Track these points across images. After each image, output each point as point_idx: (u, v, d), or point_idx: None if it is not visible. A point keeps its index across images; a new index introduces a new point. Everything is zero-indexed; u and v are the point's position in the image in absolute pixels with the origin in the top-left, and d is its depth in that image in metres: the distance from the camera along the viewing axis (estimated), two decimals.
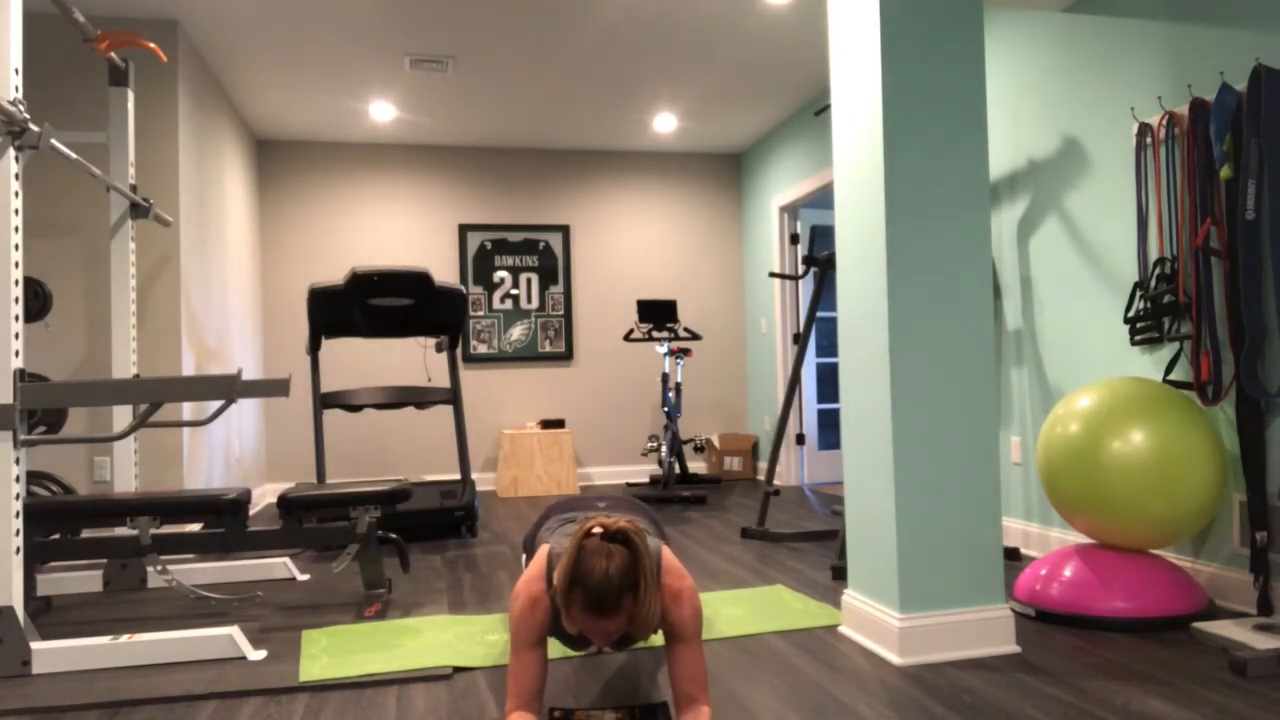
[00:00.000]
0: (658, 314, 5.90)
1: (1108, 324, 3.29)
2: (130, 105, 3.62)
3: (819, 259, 4.13)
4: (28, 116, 2.53)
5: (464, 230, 6.49)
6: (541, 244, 6.63)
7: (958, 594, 2.39)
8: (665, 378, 5.94)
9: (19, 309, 2.42)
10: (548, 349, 6.59)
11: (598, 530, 1.80)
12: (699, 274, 6.92)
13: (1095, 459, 2.66)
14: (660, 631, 2.15)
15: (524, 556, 3.04)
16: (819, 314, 6.26)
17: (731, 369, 6.95)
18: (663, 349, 5.99)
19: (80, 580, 3.34)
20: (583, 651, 2.18)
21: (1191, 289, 2.81)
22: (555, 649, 2.45)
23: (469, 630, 2.69)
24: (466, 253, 6.50)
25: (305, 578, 3.52)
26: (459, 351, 6.45)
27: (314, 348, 4.31)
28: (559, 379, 6.62)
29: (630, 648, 2.23)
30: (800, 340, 4.27)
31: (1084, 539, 3.48)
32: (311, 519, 3.87)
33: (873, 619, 2.45)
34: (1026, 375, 3.72)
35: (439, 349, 4.73)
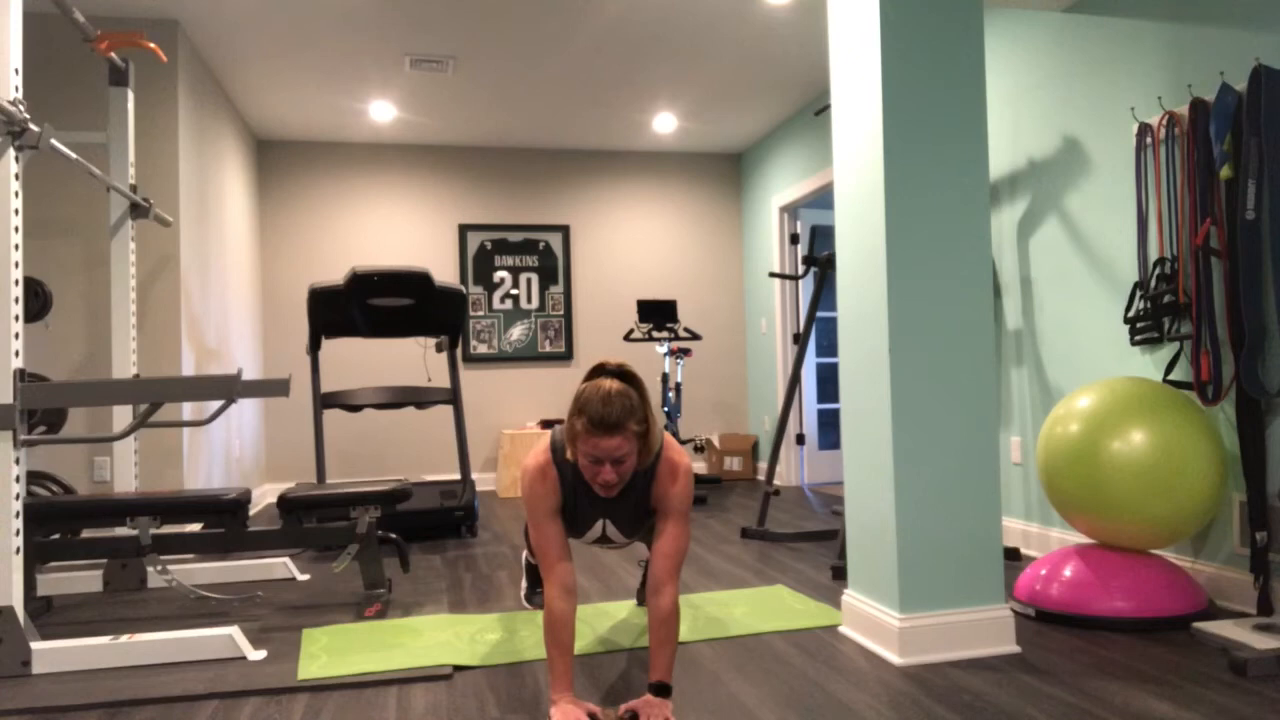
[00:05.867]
0: (658, 314, 5.90)
1: (1108, 324, 3.29)
2: (130, 105, 3.62)
3: (819, 259, 4.13)
4: (28, 116, 2.53)
5: (464, 230, 6.49)
6: (541, 244, 6.63)
7: (958, 594, 2.39)
8: (665, 378, 5.94)
9: (19, 309, 2.42)
10: (548, 349, 6.59)
11: (603, 368, 2.02)
12: (699, 274, 6.92)
13: (1095, 459, 2.66)
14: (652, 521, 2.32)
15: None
16: (819, 314, 6.26)
17: (731, 369, 6.95)
18: (663, 349, 5.99)
19: (80, 580, 3.34)
20: (593, 532, 2.26)
21: (1191, 289, 2.81)
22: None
23: (469, 630, 2.69)
24: (466, 253, 6.50)
25: (305, 578, 3.52)
26: (459, 351, 6.45)
27: (314, 348, 4.31)
28: (559, 379, 6.62)
29: (632, 536, 2.31)
30: (800, 340, 4.27)
31: (1084, 539, 3.48)
32: (311, 519, 3.88)
33: (873, 619, 2.45)
34: (1026, 375, 3.72)
35: (439, 349, 4.73)
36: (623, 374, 2.01)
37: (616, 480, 1.97)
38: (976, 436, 2.42)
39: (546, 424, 6.25)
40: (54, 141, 2.66)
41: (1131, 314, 3.12)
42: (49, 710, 2.12)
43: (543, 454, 2.10)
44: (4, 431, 2.37)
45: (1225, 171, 2.66)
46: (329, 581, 3.45)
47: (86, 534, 3.88)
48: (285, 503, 3.06)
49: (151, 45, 3.48)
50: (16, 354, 2.41)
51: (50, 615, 3.02)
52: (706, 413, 6.89)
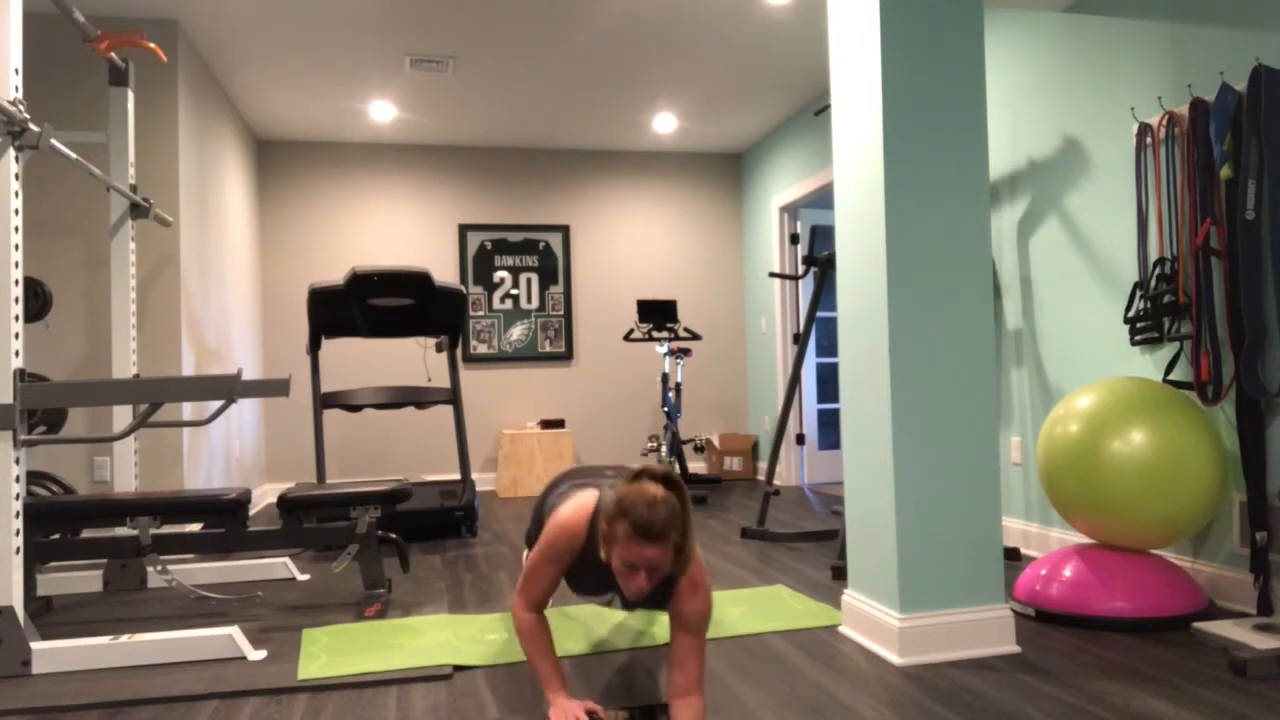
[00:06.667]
0: (658, 314, 5.90)
1: (1108, 324, 3.29)
2: (130, 105, 3.62)
3: (819, 259, 4.13)
4: (28, 116, 2.53)
5: (464, 230, 6.49)
6: (541, 244, 6.63)
7: (958, 594, 2.39)
8: (665, 378, 5.93)
9: (19, 309, 2.42)
10: (548, 349, 6.59)
11: (647, 472, 1.90)
12: (699, 274, 6.92)
13: (1095, 459, 2.66)
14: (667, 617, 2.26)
15: (528, 535, 3.05)
16: (819, 314, 6.26)
17: (731, 369, 6.95)
18: (663, 349, 5.99)
19: (80, 580, 3.34)
20: (598, 599, 2.22)
21: (1191, 289, 2.81)
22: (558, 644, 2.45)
23: (469, 630, 2.69)
24: (466, 253, 6.50)
25: (305, 578, 3.52)
26: (459, 351, 6.45)
27: (314, 347, 4.31)
28: (559, 379, 6.62)
29: (642, 607, 2.27)
30: (800, 340, 4.27)
31: (1084, 539, 3.48)
32: (311, 519, 3.88)
33: (873, 619, 2.45)
34: (1026, 375, 3.72)
35: (439, 349, 4.73)
36: (668, 480, 1.89)
37: (649, 588, 1.89)
38: (976, 436, 2.42)
39: (547, 424, 6.24)
40: (54, 141, 2.66)
41: (1131, 314, 3.12)
42: (49, 710, 2.12)
43: (583, 514, 2.03)
44: (4, 431, 2.37)
45: (1225, 171, 2.66)
46: (329, 581, 3.45)
47: (86, 534, 3.88)
48: (285, 503, 3.06)
49: (151, 45, 3.48)
50: (16, 354, 2.41)
51: (50, 615, 3.02)
52: (706, 413, 6.89)
